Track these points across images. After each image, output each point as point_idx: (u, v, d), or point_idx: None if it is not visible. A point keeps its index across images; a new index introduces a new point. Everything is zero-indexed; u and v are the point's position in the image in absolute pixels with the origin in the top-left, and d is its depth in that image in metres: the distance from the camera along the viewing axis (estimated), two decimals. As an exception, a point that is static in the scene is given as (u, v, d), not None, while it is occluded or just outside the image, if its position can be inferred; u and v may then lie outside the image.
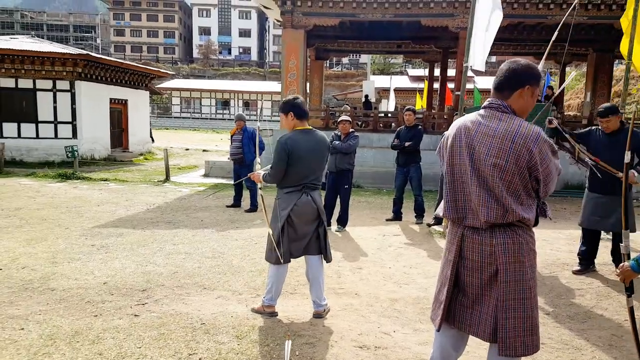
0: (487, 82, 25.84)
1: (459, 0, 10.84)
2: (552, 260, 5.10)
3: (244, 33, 67.99)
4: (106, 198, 8.60)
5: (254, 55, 67.96)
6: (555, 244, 5.81)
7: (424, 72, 24.07)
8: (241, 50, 67.75)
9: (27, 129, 14.75)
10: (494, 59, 52.97)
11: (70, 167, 12.26)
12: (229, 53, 67.47)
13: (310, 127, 3.48)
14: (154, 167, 14.82)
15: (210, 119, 43.46)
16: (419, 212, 6.88)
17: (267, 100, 44.33)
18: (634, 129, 4.33)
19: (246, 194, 7.97)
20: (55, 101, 14.85)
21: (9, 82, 14.47)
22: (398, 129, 7.13)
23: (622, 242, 4.02)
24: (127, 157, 16.95)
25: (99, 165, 14.42)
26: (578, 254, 4.74)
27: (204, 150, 20.38)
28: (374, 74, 39.53)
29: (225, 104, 45.19)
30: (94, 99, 15.68)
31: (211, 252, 5.19)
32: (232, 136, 8.05)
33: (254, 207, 7.67)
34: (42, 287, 3.99)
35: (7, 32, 62.32)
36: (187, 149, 20.76)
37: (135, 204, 8.13)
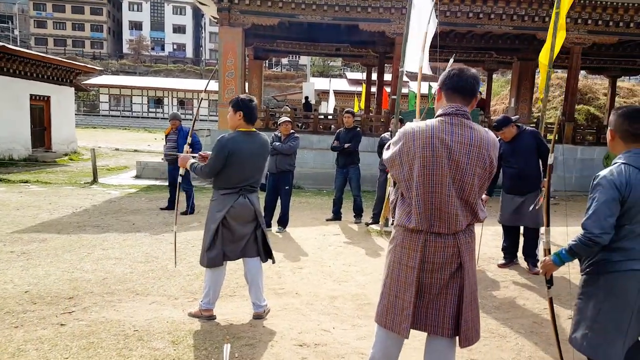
0: (423, 87, 26.89)
1: (395, 7, 11.22)
2: (479, 255, 5.42)
3: (179, 29, 65.77)
4: (27, 201, 7.97)
5: (190, 53, 65.93)
6: (481, 239, 6.18)
7: (362, 75, 24.67)
8: (175, 47, 65.46)
9: None
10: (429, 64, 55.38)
11: (-16, 168, 11.23)
12: (162, 49, 64.93)
13: (254, 130, 3.42)
14: (80, 168, 13.95)
15: (142, 117, 41.57)
16: (358, 212, 7.05)
17: (204, 99, 43.22)
18: (525, 129, 4.78)
19: (182, 196, 7.70)
20: (-34, 96, 13.54)
21: None
22: (338, 130, 7.26)
23: (533, 237, 4.36)
24: (50, 157, 15.79)
25: (19, 166, 13.32)
26: (502, 249, 5.11)
27: (135, 151, 19.48)
28: (313, 75, 39.93)
29: (159, 102, 43.45)
30: (11, 95, 14.43)
31: (144, 257, 4.98)
32: (166, 136, 7.79)
33: (190, 210, 7.45)
34: (-49, 299, 3.62)
35: None
36: (117, 149, 19.74)
37: (59, 207, 7.61)
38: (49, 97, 16.54)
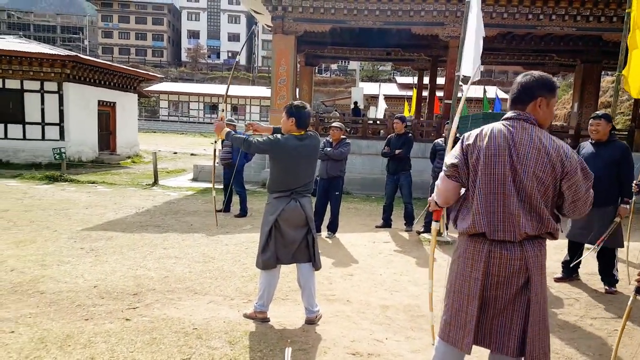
0: (476, 91, 26.16)
1: (449, 10, 11.02)
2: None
3: (233, 37, 67.92)
4: (94, 201, 8.52)
5: (243, 60, 67.83)
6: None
7: (412, 79, 24.34)
8: (230, 54, 67.61)
9: (14, 130, 14.57)
10: (482, 68, 53.77)
11: (58, 169, 12.12)
12: (218, 57, 67.31)
13: (304, 132, 3.46)
14: (141, 170, 14.71)
15: (199, 122, 43.24)
16: (409, 220, 6.94)
17: (256, 105, 44.32)
18: (617, 140, 4.47)
19: (236, 199, 7.96)
20: (42, 102, 14.70)
21: (-5, 83, 14.31)
22: (388, 136, 7.20)
23: (610, 257, 4.07)
24: (114, 159, 16.80)
25: (87, 168, 14.27)
26: (562, 263, 4.86)
27: (192, 154, 20.30)
28: (362, 80, 39.81)
29: (214, 107, 45.01)
30: (82, 101, 15.54)
31: (202, 257, 5.18)
32: (222, 141, 8.05)
33: (243, 212, 7.67)
34: (31, 290, 3.95)
35: (-8, 31, 61.41)
36: (175, 153, 20.65)
37: (123, 207, 8.07)
38: (114, 103, 17.62)
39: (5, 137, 14.47)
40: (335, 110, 22.97)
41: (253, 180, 11.24)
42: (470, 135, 2.11)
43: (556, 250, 5.79)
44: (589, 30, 11.22)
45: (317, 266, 3.55)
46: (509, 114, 2.10)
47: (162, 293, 4.04)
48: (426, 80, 16.96)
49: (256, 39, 66.65)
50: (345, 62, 52.21)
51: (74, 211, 7.47)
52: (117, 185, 10.80)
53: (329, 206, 6.40)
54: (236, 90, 46.13)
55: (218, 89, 46.67)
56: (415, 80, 19.45)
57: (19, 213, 7.08)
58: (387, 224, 7.09)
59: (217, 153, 5.37)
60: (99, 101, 16.57)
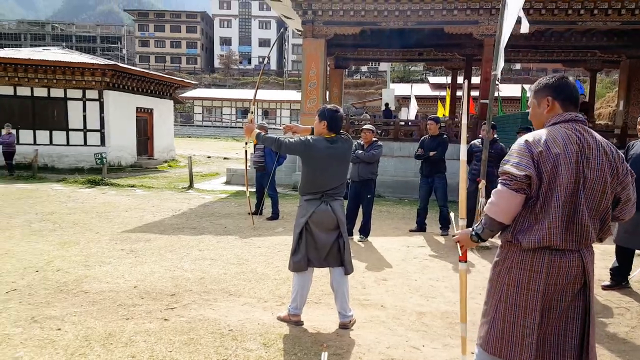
0: (512, 90, 25.54)
1: (483, 7, 10.79)
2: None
3: (264, 43, 68.88)
4: (133, 204, 8.80)
5: (273, 64, 68.73)
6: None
7: (446, 79, 23.94)
8: (260, 59, 68.61)
9: (59, 136, 15.25)
10: (518, 66, 52.36)
11: (99, 173, 12.58)
12: (249, 62, 68.44)
13: (335, 135, 3.45)
14: (177, 174, 15.09)
15: (231, 127, 44.02)
16: (444, 224, 6.78)
17: (286, 109, 44.72)
18: None
19: (268, 202, 8.04)
20: (84, 110, 15.33)
21: (42, 92, 15.02)
22: (422, 138, 7.10)
23: None
24: (152, 164, 17.30)
25: (126, 172, 14.76)
26: (610, 270, 4.65)
27: (225, 158, 20.65)
28: (393, 82, 39.46)
29: (245, 112, 45.72)
30: (121, 108, 16.11)
31: (236, 259, 5.26)
32: (254, 145, 8.16)
33: (275, 215, 7.74)
34: (76, 290, 4.11)
35: (39, 43, 64.56)
36: (209, 157, 21.07)
37: (161, 209, 8.29)
38: (152, 109, 18.18)
39: (51, 143, 15.16)
40: (366, 113, 22.84)
41: (284, 183, 11.33)
42: (539, 142, 1.93)
43: (603, 256, 5.55)
44: (634, 24, 10.73)
45: (347, 270, 3.52)
46: (567, 115, 2.00)
47: (198, 294, 4.12)
48: (460, 79, 16.66)
49: (286, 43, 67.38)
50: (375, 63, 51.95)
51: (114, 214, 7.74)
52: (155, 189, 11.12)
53: (360, 209, 6.36)
54: (267, 94, 46.76)
55: (249, 93, 47.33)
56: (449, 80, 19.13)
57: (63, 216, 7.40)
58: (421, 228, 6.97)
59: (249, 156, 5.44)
60: (137, 108, 17.13)
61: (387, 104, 19.39)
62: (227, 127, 44.05)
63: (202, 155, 21.27)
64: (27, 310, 3.59)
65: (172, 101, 20.36)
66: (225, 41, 69.17)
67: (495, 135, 6.51)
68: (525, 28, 5.63)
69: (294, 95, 42.45)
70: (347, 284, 3.55)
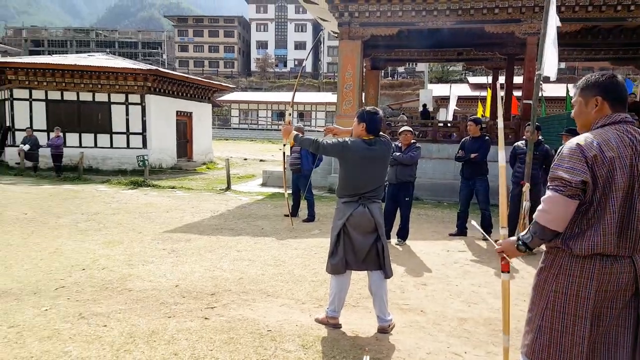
0: (556, 90, 24.60)
1: (525, 5, 10.46)
2: None
3: (300, 45, 69.44)
4: (174, 205, 9.03)
5: (309, 67, 69.13)
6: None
7: (486, 79, 23.34)
8: (296, 62, 69.16)
9: (103, 139, 15.87)
10: (563, 65, 50.45)
11: (141, 175, 13.00)
12: (285, 65, 69.12)
13: (374, 137, 3.41)
14: (215, 176, 15.39)
15: (267, 129, 44.56)
16: (486, 228, 6.60)
17: (321, 111, 44.83)
18: None
19: (304, 204, 8.07)
20: (127, 113, 15.89)
21: (88, 96, 15.69)
22: (463, 139, 6.92)
23: None
24: (191, 166, 17.74)
25: (166, 174, 15.19)
26: None
27: (261, 160, 20.91)
28: (431, 82, 38.88)
29: (281, 115, 46.17)
30: (162, 112, 16.61)
31: (273, 260, 5.29)
32: (291, 147, 8.19)
33: (311, 217, 7.75)
34: (120, 288, 4.25)
35: (83, 49, 67.63)
36: (245, 159, 21.39)
37: (200, 210, 8.46)
38: (191, 113, 18.64)
39: (95, 146, 15.80)
40: (403, 114, 22.59)
41: (320, 185, 11.34)
42: (592, 145, 1.86)
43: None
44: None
45: (387, 274, 3.47)
46: (616, 117, 1.92)
47: (237, 294, 4.17)
48: (502, 79, 16.20)
49: (322, 45, 67.65)
50: (412, 64, 51.34)
51: (156, 214, 7.96)
52: (194, 190, 11.38)
53: (398, 212, 6.27)
54: (302, 96, 47.01)
55: (285, 96, 47.83)
56: (490, 79, 18.64)
57: (108, 216, 7.67)
58: (461, 232, 6.80)
59: (286, 158, 5.46)
60: (177, 111, 17.62)
61: (424, 105, 19.09)
62: (263, 129, 44.63)
63: (238, 158, 21.62)
64: (75, 307, 3.73)
65: (210, 105, 20.82)
66: (262, 45, 70.21)
67: (540, 137, 6.28)
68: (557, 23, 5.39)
69: (329, 97, 42.49)
70: (385, 287, 3.51)
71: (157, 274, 4.67)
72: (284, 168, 5.39)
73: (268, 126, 45.55)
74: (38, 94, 15.36)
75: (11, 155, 15.02)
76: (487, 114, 17.56)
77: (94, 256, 5.26)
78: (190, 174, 15.70)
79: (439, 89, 30.31)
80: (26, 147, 13.71)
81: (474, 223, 2.91)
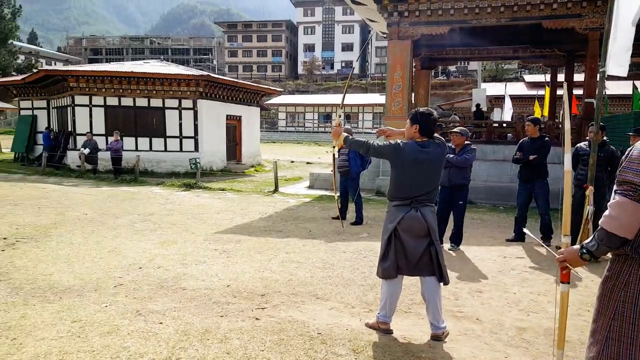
0: (620, 88, 23.09)
1: (586, -1, 9.89)
2: None
3: (347, 47, 69.44)
4: (224, 206, 9.24)
5: (356, 69, 69.02)
6: None
7: (544, 77, 22.28)
8: (343, 64, 69.22)
9: (157, 143, 16.52)
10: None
11: (193, 177, 13.42)
12: (332, 68, 69.34)
13: (428, 139, 3.32)
14: (263, 178, 15.63)
15: (313, 132, 44.87)
16: (546, 233, 6.22)
17: (368, 113, 44.58)
18: None
19: (352, 206, 8.00)
20: (180, 118, 16.46)
21: (143, 102, 16.39)
22: (521, 140, 6.60)
23: None
24: (240, 168, 18.13)
25: (217, 176, 15.60)
26: None
27: (307, 163, 21.04)
28: (484, 81, 37.65)
29: (327, 117, 46.35)
30: (212, 116, 17.09)
31: (321, 263, 5.27)
32: (339, 150, 8.17)
33: (359, 220, 7.67)
34: (175, 286, 4.37)
35: (138, 57, 71.13)
36: (292, 161, 21.60)
37: (249, 212, 8.60)
38: (240, 117, 19.06)
39: (150, 150, 16.48)
40: (455, 114, 21.97)
41: (367, 187, 11.23)
42: None
43: None
44: None
45: (444, 280, 3.36)
46: None
47: (286, 295, 4.17)
48: (561, 77, 15.39)
49: (369, 46, 67.33)
50: (464, 62, 50.05)
51: (207, 215, 8.17)
52: (243, 192, 11.60)
53: (451, 216, 6.07)
54: (349, 98, 46.89)
55: (331, 98, 48.01)
56: (548, 77, 17.77)
57: (162, 217, 7.95)
58: (519, 237, 6.46)
59: (334, 160, 5.43)
60: (227, 115, 18.07)
61: (478, 105, 18.47)
62: (310, 132, 44.98)
63: (285, 160, 21.86)
64: (132, 304, 3.87)
65: (258, 108, 21.20)
66: (309, 48, 70.83)
67: (605, 137, 5.88)
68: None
69: (377, 98, 42.21)
70: (440, 294, 3.40)
71: (209, 274, 4.76)
72: (334, 170, 5.36)
73: (314, 128, 45.84)
74: (97, 100, 16.21)
75: (72, 158, 15.90)
76: (546, 113, 16.75)
77: (150, 255, 5.45)
78: (239, 177, 16.04)
79: (493, 88, 29.29)
80: (86, 151, 14.51)
81: (526, 230, 2.77)
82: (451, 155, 5.84)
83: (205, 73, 17.44)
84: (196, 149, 16.46)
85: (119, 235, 6.45)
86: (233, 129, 18.80)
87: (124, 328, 3.38)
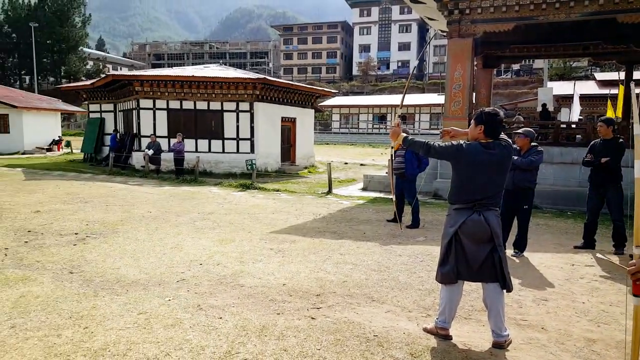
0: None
1: (668, -10, 9.11)
2: None
3: (404, 47, 68.41)
4: (279, 207, 9.38)
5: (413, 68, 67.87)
6: None
7: (618, 75, 20.79)
8: (400, 64, 68.27)
9: (216, 144, 17.09)
10: None
11: (249, 178, 13.76)
12: (387, 68, 68.59)
13: (492, 140, 3.20)
14: (317, 179, 15.73)
15: (367, 133, 44.59)
16: (619, 241, 5.79)
17: (425, 113, 43.61)
18: None
19: (407, 209, 7.84)
20: (237, 120, 16.93)
21: (203, 105, 17.01)
22: (592, 142, 6.19)
23: None
24: (294, 170, 18.35)
25: (271, 177, 15.90)
26: None
27: (361, 164, 20.91)
28: (551, 79, 35.78)
29: (382, 118, 45.88)
30: (268, 118, 17.44)
31: (376, 265, 5.20)
32: (395, 151, 8.04)
33: (416, 223, 7.50)
34: (233, 283, 4.48)
35: (198, 61, 74.17)
36: (345, 163, 21.58)
37: (303, 213, 8.67)
38: (294, 119, 19.31)
39: (209, 151, 17.06)
40: (518, 114, 21.01)
41: (424, 190, 10.98)
42: None
43: None
44: None
45: (508, 287, 3.23)
46: None
47: (342, 297, 4.16)
48: (637, 75, 14.27)
49: (427, 45, 65.96)
50: (529, 60, 47.83)
51: (263, 215, 8.33)
52: (297, 193, 11.73)
53: (515, 221, 5.78)
54: (405, 98, 46.10)
55: (387, 99, 47.49)
56: (621, 75, 16.55)
57: (220, 215, 8.20)
58: (589, 244, 6.07)
59: (388, 162, 5.35)
60: (282, 117, 18.37)
61: (544, 105, 17.55)
62: (364, 133, 44.74)
63: (339, 162, 21.88)
64: (194, 299, 4.01)
65: (312, 110, 21.37)
66: (364, 48, 70.50)
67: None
68: None
69: (435, 98, 41.27)
70: (502, 301, 3.26)
71: (265, 272, 4.84)
72: (390, 171, 5.28)
73: (368, 130, 45.53)
74: (160, 103, 17.00)
75: (137, 159, 16.80)
76: (619, 114, 15.61)
77: (210, 252, 5.63)
78: (293, 178, 16.24)
79: (561, 87, 27.76)
80: (150, 152, 15.30)
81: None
82: (516, 157, 5.57)
83: (262, 76, 17.82)
84: (252, 150, 16.86)
85: (181, 233, 6.72)
86: (287, 130, 19.08)
87: (186, 321, 3.50)
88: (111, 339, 3.17)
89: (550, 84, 27.12)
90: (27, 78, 57.15)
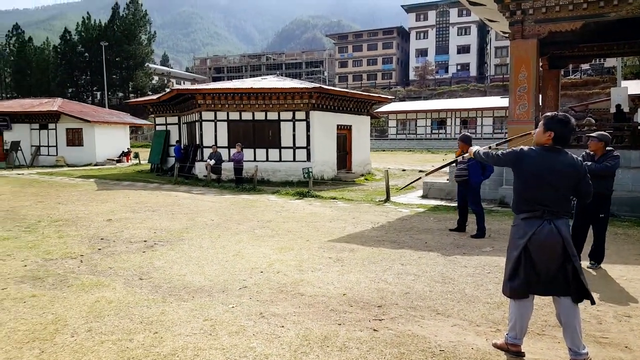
0: None
1: None
2: None
3: (463, 49, 66.57)
4: (336, 215, 9.36)
5: (473, 71, 65.78)
6: None
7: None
8: (459, 67, 66.45)
9: (273, 153, 17.44)
10: None
11: (305, 186, 13.88)
12: (446, 72, 67.02)
13: (559, 147, 3.07)
14: (374, 187, 15.57)
15: (425, 139, 43.67)
16: None
17: (488, 117, 41.99)
18: None
19: (472, 218, 7.55)
20: (294, 129, 17.19)
21: (261, 115, 17.44)
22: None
23: None
24: (350, 177, 18.30)
25: (327, 185, 15.94)
26: None
27: (420, 171, 20.43)
28: (625, 78, 33.25)
29: (441, 123, 44.75)
30: (324, 126, 17.55)
31: (440, 277, 5.02)
32: (457, 157, 7.78)
33: (481, 233, 7.18)
34: (293, 291, 4.50)
35: (256, 73, 76.39)
36: (403, 170, 21.21)
37: (361, 221, 8.59)
38: (350, 126, 19.30)
39: (267, 160, 17.44)
40: (589, 117, 19.69)
41: (489, 197, 10.54)
42: None
43: None
44: None
45: (589, 299, 3.02)
46: None
47: (404, 309, 4.05)
48: None
49: (488, 47, 63.85)
50: (599, 59, 44.86)
51: (320, 224, 8.35)
52: (354, 201, 11.66)
53: (590, 231, 5.38)
54: (466, 102, 44.87)
55: (445, 103, 46.35)
56: None
57: (278, 224, 8.31)
58: (676, 256, 5.54)
59: (448, 169, 5.17)
60: (337, 125, 18.43)
61: (618, 105, 16.33)
62: (422, 139, 43.85)
63: (396, 169, 21.55)
64: (256, 306, 4.07)
65: (368, 117, 21.25)
66: (421, 52, 69.34)
67: None
68: None
69: (497, 101, 39.74)
70: (578, 316, 3.04)
71: (325, 281, 4.83)
72: (439, 168, 5.12)
73: (427, 135, 44.55)
74: (221, 115, 17.64)
75: (200, 168, 17.51)
76: None
77: (270, 260, 5.71)
78: (349, 185, 16.19)
79: (636, 86, 25.68)
80: (212, 162, 15.90)
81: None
82: (589, 163, 5.20)
83: (317, 85, 18.00)
84: (308, 158, 17.03)
85: (242, 240, 6.87)
86: (343, 138, 19.09)
87: (249, 329, 3.55)
88: (179, 345, 3.28)
89: (624, 83, 25.15)
90: (98, 94, 61.59)
